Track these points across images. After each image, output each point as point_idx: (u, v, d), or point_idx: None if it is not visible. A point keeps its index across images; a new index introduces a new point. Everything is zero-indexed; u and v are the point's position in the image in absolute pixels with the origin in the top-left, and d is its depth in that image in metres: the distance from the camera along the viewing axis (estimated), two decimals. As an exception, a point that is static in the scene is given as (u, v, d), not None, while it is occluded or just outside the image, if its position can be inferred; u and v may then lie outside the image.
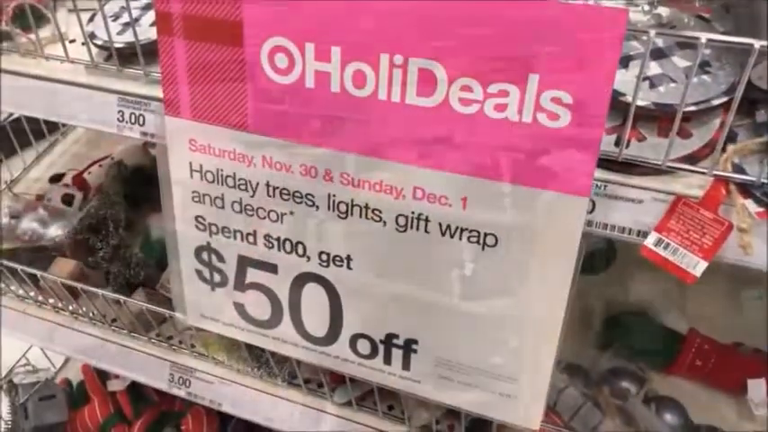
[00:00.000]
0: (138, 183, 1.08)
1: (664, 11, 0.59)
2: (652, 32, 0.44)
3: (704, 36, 0.43)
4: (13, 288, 0.97)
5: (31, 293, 0.95)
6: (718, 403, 0.79)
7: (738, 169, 0.49)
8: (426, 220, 0.55)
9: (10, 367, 1.25)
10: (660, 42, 0.55)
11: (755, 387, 0.74)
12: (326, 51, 0.50)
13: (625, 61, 0.54)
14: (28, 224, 1.00)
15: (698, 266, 0.48)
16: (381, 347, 0.64)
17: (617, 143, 0.50)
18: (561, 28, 0.43)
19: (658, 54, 0.54)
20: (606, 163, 0.51)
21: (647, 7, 0.59)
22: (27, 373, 1.27)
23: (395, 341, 0.63)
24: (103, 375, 1.21)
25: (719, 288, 0.84)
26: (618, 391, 0.76)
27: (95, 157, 1.14)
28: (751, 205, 0.47)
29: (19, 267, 0.90)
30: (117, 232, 0.97)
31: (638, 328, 0.84)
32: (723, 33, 0.56)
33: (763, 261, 0.47)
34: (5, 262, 0.91)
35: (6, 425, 1.18)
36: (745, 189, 0.48)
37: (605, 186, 0.51)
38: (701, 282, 0.48)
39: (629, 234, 0.52)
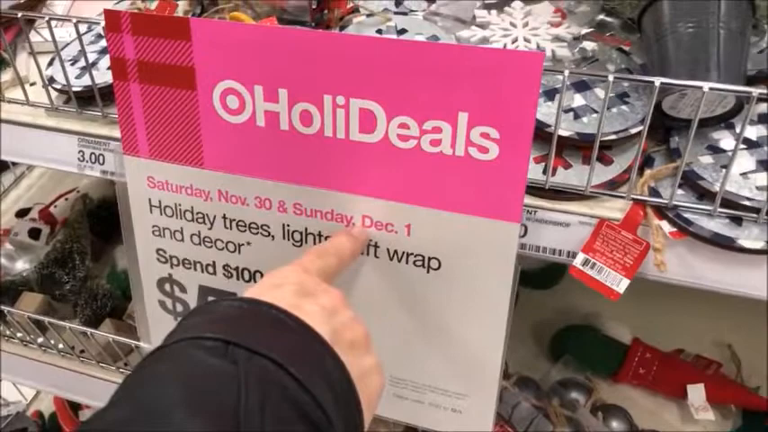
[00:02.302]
0: (104, 214, 1.10)
1: (589, 45, 0.63)
2: (566, 72, 0.49)
3: (611, 75, 0.47)
4: (-20, 324, 0.98)
5: (-1, 328, 0.96)
6: (662, 408, 0.83)
7: (654, 193, 0.53)
8: (376, 245, 0.58)
9: (-20, 402, 1.26)
10: (584, 75, 0.59)
11: (695, 392, 0.78)
12: (274, 93, 0.54)
13: (551, 94, 0.58)
14: (-5, 259, 1.02)
15: (621, 284, 0.52)
16: (339, 369, 0.67)
17: (545, 171, 0.54)
18: (484, 71, 0.47)
19: (582, 87, 0.58)
20: (536, 190, 0.55)
21: (572, 42, 0.64)
22: (-2, 407, 1.27)
23: (351, 362, 0.66)
24: (75, 406, 1.21)
25: (662, 297, 0.88)
26: (567, 402, 0.80)
27: (61, 191, 1.16)
28: (665, 226, 0.51)
29: (-14, 303, 0.91)
30: (83, 264, 0.99)
31: (585, 339, 0.88)
32: (641, 65, 0.60)
33: (677, 277, 0.51)
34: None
35: (-23, 460, 1.18)
36: (660, 211, 0.52)
37: (535, 212, 0.55)
38: (644, 293, 0.52)
39: (560, 255, 0.55)
